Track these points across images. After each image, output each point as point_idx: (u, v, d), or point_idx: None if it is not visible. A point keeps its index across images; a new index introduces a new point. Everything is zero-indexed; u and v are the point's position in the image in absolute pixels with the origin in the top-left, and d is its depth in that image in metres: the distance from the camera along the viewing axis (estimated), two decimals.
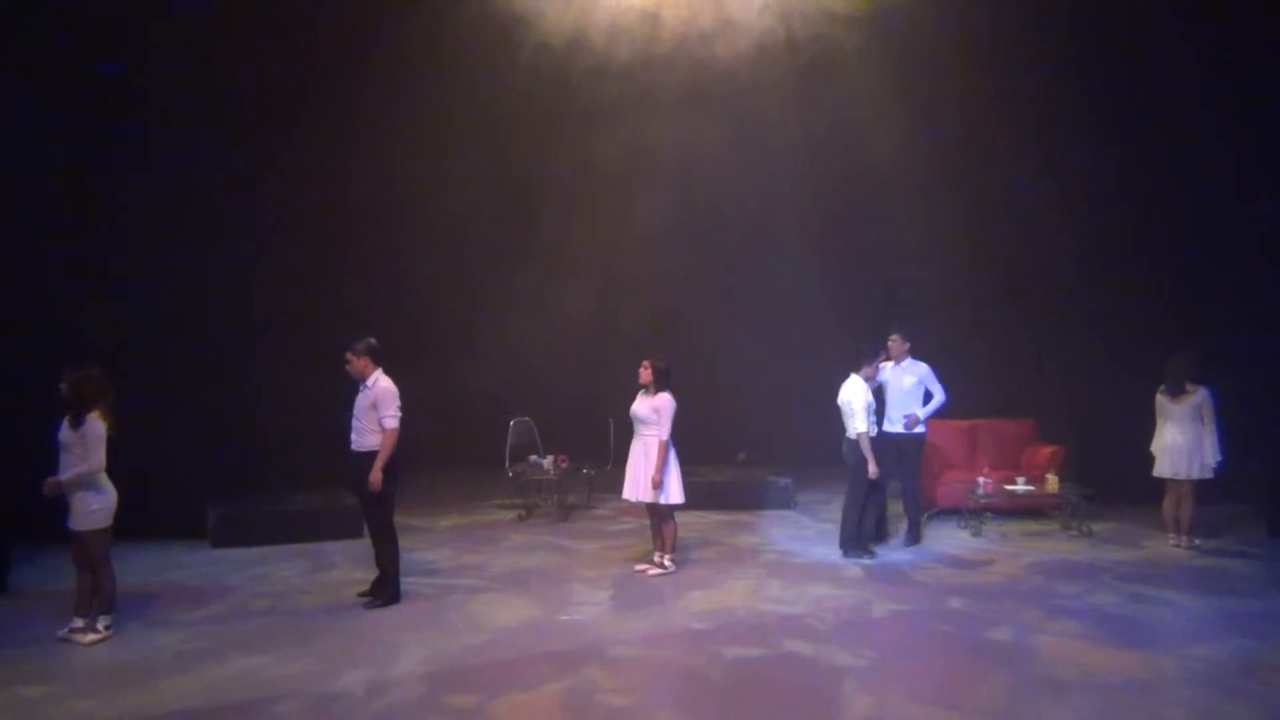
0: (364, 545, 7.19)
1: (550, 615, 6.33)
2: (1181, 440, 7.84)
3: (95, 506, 5.67)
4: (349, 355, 6.42)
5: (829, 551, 7.92)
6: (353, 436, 6.42)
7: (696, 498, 8.38)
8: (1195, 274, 9.51)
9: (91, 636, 5.74)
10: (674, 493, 7.15)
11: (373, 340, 6.48)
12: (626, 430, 7.48)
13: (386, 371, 6.47)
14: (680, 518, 7.61)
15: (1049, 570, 7.38)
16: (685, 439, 7.38)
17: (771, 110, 11.12)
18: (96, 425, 5.63)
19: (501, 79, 10.84)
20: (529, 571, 7.46)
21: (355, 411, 6.41)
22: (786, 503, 9.88)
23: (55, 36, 8.17)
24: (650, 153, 11.17)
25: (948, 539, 8.48)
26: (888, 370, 8.14)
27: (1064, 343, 10.39)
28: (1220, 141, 9.22)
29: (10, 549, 7.11)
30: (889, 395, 8.18)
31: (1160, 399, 8.02)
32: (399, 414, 6.37)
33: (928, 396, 8.24)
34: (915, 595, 6.75)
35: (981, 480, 8.69)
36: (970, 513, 8.77)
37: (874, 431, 7.59)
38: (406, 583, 6.74)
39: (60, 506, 5.70)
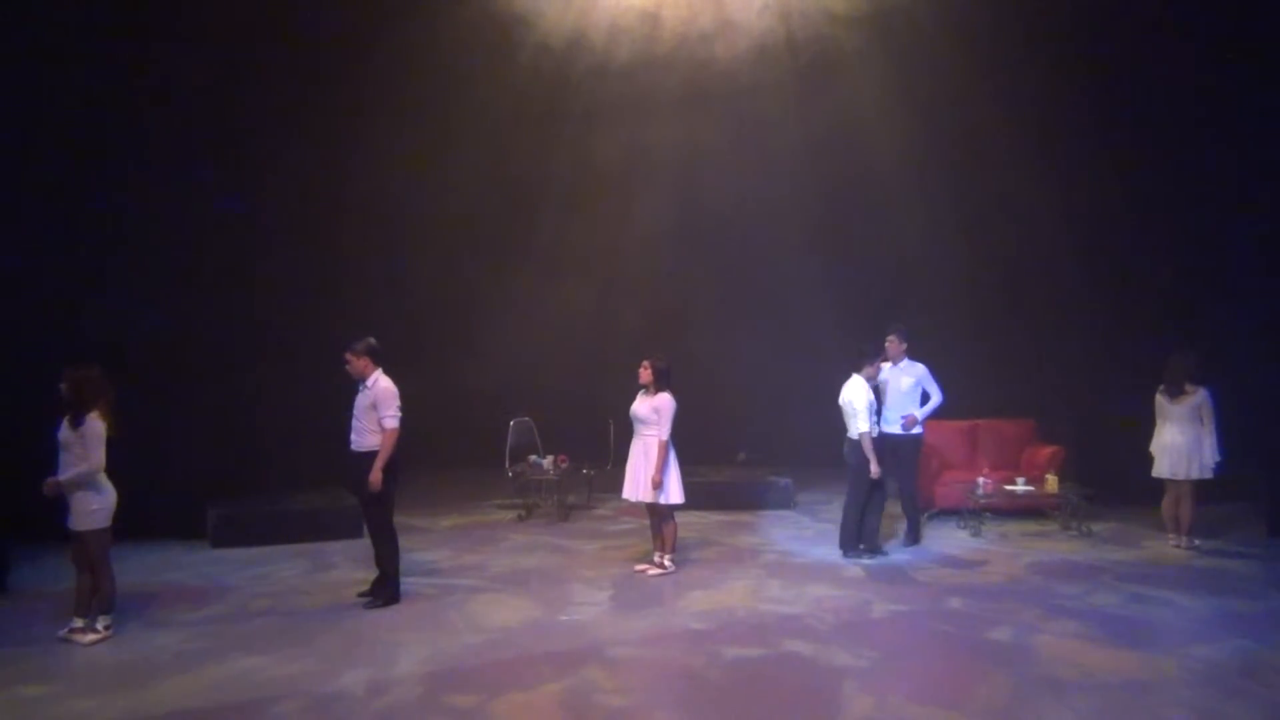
0: (364, 545, 7.20)
1: (550, 615, 6.33)
2: (1181, 440, 7.83)
3: (95, 506, 5.67)
4: (348, 355, 6.41)
5: (829, 552, 7.92)
6: (352, 437, 6.42)
7: (696, 498, 8.38)
8: (1195, 274, 9.50)
9: (91, 636, 5.75)
10: (674, 493, 7.15)
11: (372, 340, 6.48)
12: (626, 430, 7.47)
13: (386, 371, 6.47)
14: (680, 518, 7.61)
15: (1049, 570, 7.38)
16: (685, 439, 7.38)
17: (771, 110, 11.12)
18: (96, 425, 5.63)
19: (501, 79, 10.86)
20: (529, 571, 7.46)
21: (355, 412, 6.41)
22: (786, 503, 9.88)
23: (56, 36, 8.16)
24: (650, 153, 11.17)
25: (947, 539, 8.47)
26: (886, 371, 8.15)
27: (1064, 343, 10.37)
28: (1220, 142, 9.22)
29: (10, 549, 7.12)
30: (886, 396, 8.18)
31: (1160, 399, 8.02)
32: (399, 414, 6.37)
33: (925, 397, 8.25)
34: (915, 595, 6.74)
35: (981, 480, 8.70)
36: (970, 513, 8.77)
37: (875, 432, 7.59)
38: (406, 583, 6.74)
39: (60, 506, 5.70)
